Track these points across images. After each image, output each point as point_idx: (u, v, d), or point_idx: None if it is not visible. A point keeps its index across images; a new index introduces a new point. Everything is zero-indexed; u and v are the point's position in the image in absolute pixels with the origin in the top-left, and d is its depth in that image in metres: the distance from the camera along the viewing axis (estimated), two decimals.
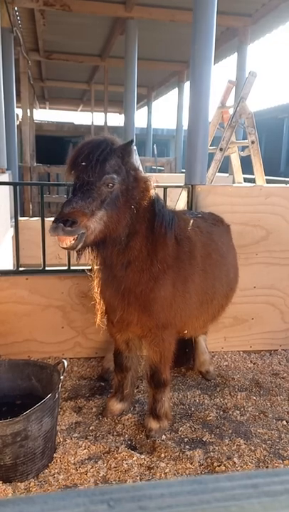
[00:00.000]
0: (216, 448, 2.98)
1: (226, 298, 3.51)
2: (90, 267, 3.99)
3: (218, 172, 5.17)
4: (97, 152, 2.42)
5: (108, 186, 2.44)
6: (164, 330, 2.94)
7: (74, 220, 2.26)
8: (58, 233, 2.25)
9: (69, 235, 2.27)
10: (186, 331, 3.24)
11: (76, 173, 2.46)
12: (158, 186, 4.17)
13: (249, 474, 0.45)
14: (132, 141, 2.63)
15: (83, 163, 2.42)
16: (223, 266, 3.42)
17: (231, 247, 3.68)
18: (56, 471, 2.71)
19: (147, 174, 2.84)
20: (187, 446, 3.00)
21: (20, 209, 7.58)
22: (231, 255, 3.62)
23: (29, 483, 2.58)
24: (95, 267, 3.00)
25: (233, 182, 6.31)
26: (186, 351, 4.00)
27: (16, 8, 8.32)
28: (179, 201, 4.35)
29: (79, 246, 2.36)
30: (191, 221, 3.27)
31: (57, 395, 2.74)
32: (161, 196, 3.98)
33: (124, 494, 0.40)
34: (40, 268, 4.11)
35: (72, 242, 2.31)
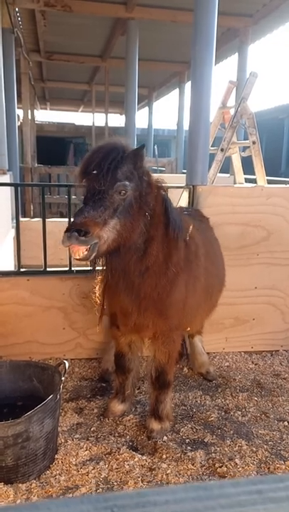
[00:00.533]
0: (218, 449, 2.98)
1: (219, 292, 3.60)
2: (91, 268, 3.99)
3: (220, 172, 5.17)
4: (108, 160, 2.36)
5: (121, 194, 2.38)
6: (176, 331, 2.97)
7: (87, 230, 2.20)
8: (71, 242, 2.19)
9: (83, 244, 2.22)
10: (188, 329, 3.26)
11: (87, 182, 2.41)
12: None
13: (254, 480, 0.44)
14: (143, 145, 2.56)
15: (94, 172, 2.36)
16: (216, 262, 3.50)
17: (216, 240, 3.73)
18: (58, 472, 2.70)
19: (157, 176, 2.79)
20: (189, 447, 2.99)
21: (21, 210, 7.58)
22: (218, 249, 3.69)
23: (30, 485, 2.58)
24: (100, 271, 2.89)
25: (234, 182, 6.31)
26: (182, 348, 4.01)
27: (16, 9, 8.32)
28: (180, 202, 4.35)
29: (92, 256, 2.31)
30: (188, 220, 3.28)
31: (58, 396, 2.74)
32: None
33: (129, 501, 0.39)
34: (42, 269, 4.11)
35: (86, 252, 2.26)
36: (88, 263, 2.54)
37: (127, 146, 2.54)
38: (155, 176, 2.79)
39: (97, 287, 3.03)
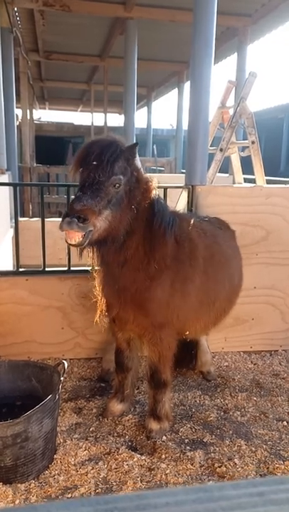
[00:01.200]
0: (217, 449, 2.98)
1: (229, 301, 3.49)
2: (91, 267, 3.99)
3: (219, 172, 5.17)
4: (108, 152, 2.47)
5: (115, 187, 2.49)
6: (162, 329, 2.95)
7: (85, 217, 2.30)
8: (72, 227, 2.27)
9: (81, 230, 2.30)
10: (187, 332, 3.23)
11: (86, 172, 2.49)
12: (158, 187, 4.18)
13: (255, 482, 0.44)
14: (136, 143, 2.69)
15: (94, 163, 2.45)
16: (227, 269, 3.41)
17: (237, 252, 3.68)
18: (56, 472, 2.70)
19: (149, 175, 2.85)
20: (188, 447, 2.99)
21: (20, 210, 7.57)
22: (236, 260, 3.62)
23: (29, 485, 2.57)
24: (96, 266, 3.01)
25: (234, 182, 6.31)
26: (191, 353, 4.00)
27: (15, 9, 8.31)
28: (179, 202, 4.35)
29: (86, 243, 2.40)
30: (195, 223, 3.26)
31: (57, 396, 2.74)
32: (162, 197, 3.98)
33: (129, 503, 0.39)
34: (40, 269, 4.11)
35: (81, 239, 2.34)
36: (78, 251, 2.62)
37: (123, 142, 2.65)
38: (150, 175, 2.86)
39: (96, 282, 3.09)
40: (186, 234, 3.04)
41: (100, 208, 2.40)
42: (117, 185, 2.49)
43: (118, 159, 2.50)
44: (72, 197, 4.31)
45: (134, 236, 2.71)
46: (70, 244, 2.40)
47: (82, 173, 2.51)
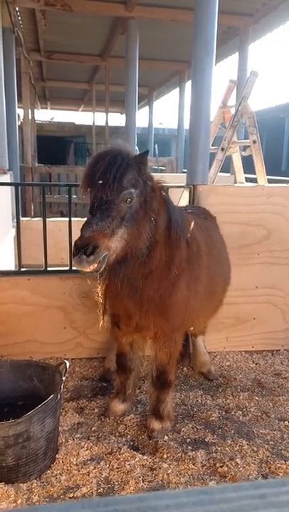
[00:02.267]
0: (219, 449, 2.97)
1: (223, 291, 3.57)
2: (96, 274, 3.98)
3: (220, 172, 5.16)
4: (114, 168, 2.32)
5: (127, 202, 2.35)
6: (177, 331, 2.97)
7: (95, 244, 2.19)
8: (83, 266, 2.19)
9: (93, 263, 2.20)
10: (191, 328, 3.25)
11: (93, 192, 2.36)
12: None
13: (256, 484, 0.44)
14: (147, 151, 2.54)
15: (100, 182, 2.32)
16: (220, 260, 3.49)
17: (222, 240, 3.72)
18: (58, 472, 2.70)
19: (157, 178, 2.76)
20: (189, 447, 2.99)
21: (21, 209, 7.57)
22: (224, 248, 3.68)
23: (31, 484, 2.57)
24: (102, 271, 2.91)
25: (235, 182, 6.30)
26: (183, 349, 4.00)
27: (17, 9, 8.31)
28: (180, 201, 4.34)
29: (102, 268, 2.29)
30: (191, 218, 3.27)
31: (59, 396, 2.74)
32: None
33: (129, 505, 0.39)
34: (42, 269, 4.11)
35: (96, 265, 2.23)
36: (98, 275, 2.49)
37: (130, 151, 2.50)
38: (156, 176, 2.77)
39: (98, 286, 3.01)
40: (191, 234, 3.04)
41: (113, 228, 2.27)
42: (129, 200, 2.35)
43: (126, 173, 2.35)
44: (74, 196, 4.32)
45: (157, 246, 2.62)
46: (87, 273, 2.28)
47: (91, 194, 2.38)
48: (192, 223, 3.16)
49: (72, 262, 2.25)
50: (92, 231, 2.22)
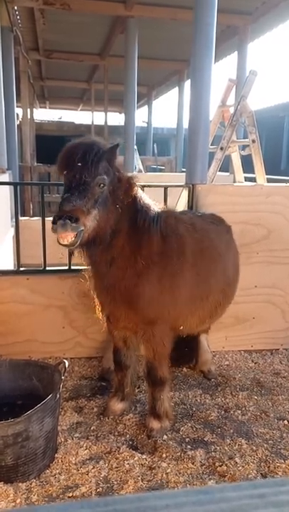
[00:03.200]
0: (218, 448, 2.98)
1: (223, 294, 3.50)
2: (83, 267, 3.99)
3: (219, 171, 5.16)
4: (92, 153, 2.52)
5: (100, 186, 2.54)
6: (154, 325, 2.97)
7: (77, 217, 2.34)
8: (66, 229, 2.31)
9: (74, 231, 2.34)
10: (181, 327, 3.23)
11: (71, 173, 2.52)
12: (158, 186, 4.17)
13: (255, 484, 0.44)
14: (117, 145, 2.74)
15: (79, 164, 2.49)
16: (220, 262, 3.44)
17: (231, 246, 3.68)
18: (57, 471, 2.70)
19: (131, 173, 2.90)
20: (189, 446, 2.99)
21: (20, 209, 7.57)
22: (231, 253, 3.62)
23: (30, 484, 2.57)
24: (86, 266, 3.05)
25: (234, 181, 6.30)
26: (190, 350, 4.00)
27: (15, 8, 8.30)
28: (179, 201, 4.34)
29: (77, 243, 2.43)
30: (183, 218, 3.28)
31: (58, 395, 2.74)
32: (162, 196, 3.98)
33: (129, 505, 0.39)
34: (41, 268, 4.10)
35: (73, 238, 2.38)
36: (69, 251, 2.70)
37: (104, 143, 2.71)
38: (131, 174, 2.90)
39: (89, 282, 3.10)
40: (173, 229, 3.05)
41: (89, 207, 2.45)
42: (102, 185, 2.54)
43: (101, 160, 2.55)
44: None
45: (120, 234, 2.76)
46: (63, 245, 2.42)
47: (67, 175, 2.54)
48: (180, 221, 3.17)
49: (54, 226, 2.34)
50: (72, 206, 2.38)
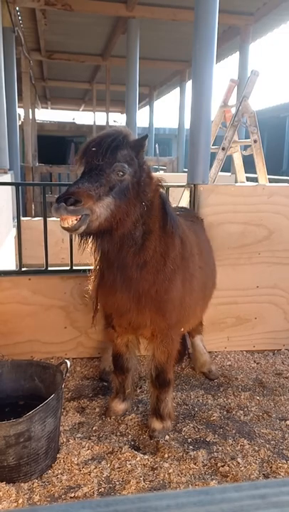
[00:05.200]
0: (220, 448, 2.97)
1: (211, 294, 3.65)
2: (91, 268, 3.99)
3: (221, 171, 5.16)
4: (108, 139, 2.37)
5: (118, 175, 2.35)
6: (174, 329, 2.95)
7: (77, 198, 2.15)
8: (60, 213, 2.13)
9: (71, 214, 2.15)
10: (182, 329, 3.25)
11: (86, 159, 2.39)
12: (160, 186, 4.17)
13: (257, 484, 0.44)
14: (146, 136, 2.58)
15: (94, 149, 2.36)
16: (209, 262, 3.54)
17: (209, 242, 3.77)
18: (59, 471, 2.70)
19: (158, 174, 2.85)
20: (191, 447, 2.99)
21: (22, 209, 7.58)
22: (210, 250, 3.73)
23: (32, 484, 2.58)
24: (95, 268, 2.86)
25: (236, 181, 6.29)
26: (182, 348, 4.01)
27: (17, 8, 8.32)
28: (181, 201, 4.34)
29: (81, 228, 2.23)
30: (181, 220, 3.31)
31: (60, 396, 2.74)
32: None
33: (130, 505, 0.39)
34: (43, 268, 4.11)
35: (75, 222, 2.19)
36: (77, 238, 2.45)
37: (130, 134, 2.54)
38: (157, 174, 2.81)
39: (90, 285, 2.98)
40: (184, 232, 3.06)
41: (100, 193, 2.25)
42: (120, 173, 2.35)
43: (121, 147, 2.38)
44: None
45: (152, 236, 2.62)
46: (64, 228, 2.23)
47: (84, 162, 2.42)
48: (183, 223, 3.18)
49: (52, 209, 2.17)
50: (76, 188, 2.21)
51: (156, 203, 2.66)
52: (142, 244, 2.59)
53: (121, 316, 2.86)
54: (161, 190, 2.75)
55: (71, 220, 2.18)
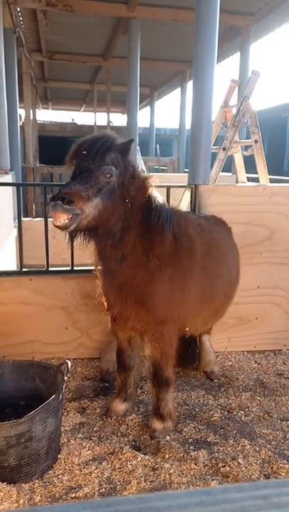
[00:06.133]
0: (221, 448, 2.97)
1: (226, 296, 3.54)
2: (94, 266, 3.99)
3: (222, 172, 5.15)
4: (98, 143, 2.54)
5: (106, 177, 2.52)
6: (164, 325, 2.97)
7: (70, 199, 2.33)
8: (56, 209, 2.30)
9: (66, 212, 2.33)
10: (186, 328, 3.25)
11: (77, 161, 2.56)
12: (161, 186, 4.16)
13: (258, 485, 0.43)
14: (132, 140, 2.75)
15: (84, 152, 2.53)
16: (224, 264, 3.46)
17: (233, 247, 3.70)
18: (60, 472, 2.70)
19: (149, 174, 2.89)
20: (192, 447, 2.99)
21: (23, 210, 7.59)
22: (233, 255, 3.65)
23: (33, 484, 2.58)
24: (97, 265, 3.05)
25: (237, 181, 6.29)
26: (193, 351, 3.99)
27: (18, 9, 8.33)
28: (182, 201, 4.34)
29: (72, 227, 2.41)
30: (192, 219, 3.30)
31: (61, 396, 2.74)
32: (165, 196, 3.98)
33: (131, 506, 0.39)
34: (44, 269, 4.11)
35: (66, 221, 2.36)
36: (68, 237, 2.66)
37: (117, 138, 2.71)
38: (152, 175, 2.90)
39: (98, 281, 3.11)
40: (184, 230, 3.06)
41: (90, 194, 2.43)
42: (108, 175, 2.53)
43: (109, 151, 2.55)
44: None
45: (131, 231, 2.75)
46: (56, 226, 2.41)
47: (75, 164, 2.58)
48: (190, 221, 3.17)
49: (48, 206, 2.37)
50: (69, 189, 2.38)
51: (140, 200, 2.78)
52: (120, 238, 2.73)
53: (111, 306, 3.03)
54: (149, 188, 2.83)
55: (63, 219, 2.36)
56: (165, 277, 2.90)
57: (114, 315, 3.07)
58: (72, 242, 2.72)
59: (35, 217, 9.48)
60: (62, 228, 2.42)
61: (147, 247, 2.82)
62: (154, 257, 2.83)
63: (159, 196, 2.92)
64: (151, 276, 2.84)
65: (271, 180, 5.42)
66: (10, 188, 5.65)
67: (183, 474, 2.69)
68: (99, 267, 3.03)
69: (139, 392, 3.61)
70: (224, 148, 5.01)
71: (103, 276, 3.00)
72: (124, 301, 2.89)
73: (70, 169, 2.63)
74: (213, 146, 5.06)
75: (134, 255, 2.79)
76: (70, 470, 2.71)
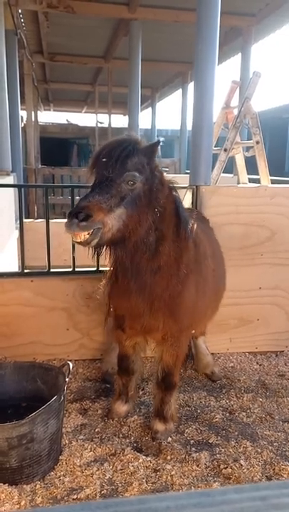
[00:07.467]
0: (223, 450, 2.96)
1: (223, 291, 3.60)
2: (95, 269, 3.99)
3: (223, 173, 5.15)
4: (118, 149, 2.35)
5: (129, 184, 2.34)
6: (185, 333, 2.96)
7: (88, 213, 2.16)
8: (72, 230, 2.15)
9: (83, 230, 2.17)
10: (193, 331, 3.26)
11: (97, 170, 2.39)
12: None
13: (257, 486, 0.43)
14: (158, 141, 2.54)
15: (104, 160, 2.35)
16: (220, 262, 3.51)
17: (217, 242, 3.72)
18: (62, 473, 2.70)
19: (169, 176, 2.79)
20: (193, 449, 2.98)
21: (25, 211, 7.60)
22: (220, 250, 3.68)
23: (35, 486, 2.57)
24: (110, 273, 2.88)
25: (238, 183, 6.29)
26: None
27: (19, 11, 8.34)
28: (183, 202, 4.33)
29: (94, 242, 2.25)
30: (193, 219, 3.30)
31: (62, 397, 2.74)
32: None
33: (129, 507, 0.39)
34: (45, 270, 4.11)
35: (87, 236, 2.20)
36: (90, 250, 2.46)
37: (141, 140, 2.52)
38: (168, 176, 2.78)
39: (103, 288, 3.01)
40: (197, 234, 3.05)
41: (111, 204, 2.25)
42: (131, 182, 2.34)
43: (132, 155, 2.36)
44: (77, 198, 4.34)
45: (166, 241, 2.61)
46: (77, 243, 2.25)
47: (95, 173, 2.41)
48: (195, 225, 3.17)
49: (64, 225, 2.19)
50: (87, 202, 2.22)
51: (169, 208, 2.63)
52: (155, 250, 2.58)
53: (134, 319, 2.85)
54: (174, 193, 2.71)
55: (83, 235, 2.20)
56: (192, 285, 2.83)
57: (134, 327, 2.92)
58: (98, 256, 2.51)
59: (36, 219, 9.50)
60: (83, 244, 2.26)
61: (177, 256, 2.71)
62: (183, 265, 2.74)
63: (181, 200, 2.84)
64: (182, 285, 2.75)
65: (272, 181, 5.41)
66: (11, 189, 5.65)
67: (185, 476, 2.69)
68: (115, 279, 2.80)
69: (140, 393, 3.61)
70: (225, 150, 5.01)
71: (127, 290, 2.70)
72: (155, 312, 2.74)
73: (91, 179, 2.44)
74: (215, 147, 5.06)
75: (168, 266, 2.67)
76: (71, 471, 2.71)
